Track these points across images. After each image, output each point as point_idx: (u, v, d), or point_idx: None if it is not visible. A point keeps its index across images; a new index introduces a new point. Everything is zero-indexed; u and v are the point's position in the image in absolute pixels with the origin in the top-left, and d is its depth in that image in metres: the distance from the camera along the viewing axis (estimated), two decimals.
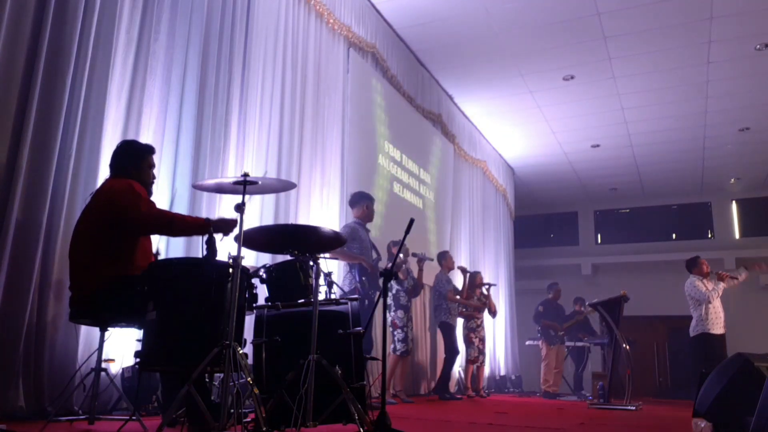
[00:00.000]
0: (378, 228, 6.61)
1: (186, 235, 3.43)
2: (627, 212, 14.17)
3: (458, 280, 7.72)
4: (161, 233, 3.17)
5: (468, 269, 7.83)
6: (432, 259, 6.72)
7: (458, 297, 7.24)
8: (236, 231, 2.67)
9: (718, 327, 6.41)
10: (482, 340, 7.68)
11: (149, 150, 3.15)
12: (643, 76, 8.17)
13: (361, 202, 5.49)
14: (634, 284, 10.59)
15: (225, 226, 2.86)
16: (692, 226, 13.46)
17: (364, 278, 5.15)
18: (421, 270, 6.37)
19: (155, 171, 3.22)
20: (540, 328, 8.79)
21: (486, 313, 7.87)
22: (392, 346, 5.94)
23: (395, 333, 5.94)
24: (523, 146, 10.90)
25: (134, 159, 3.06)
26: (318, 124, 5.80)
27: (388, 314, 5.96)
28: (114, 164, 3.06)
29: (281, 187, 3.38)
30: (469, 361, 7.52)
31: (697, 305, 6.50)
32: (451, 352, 7.00)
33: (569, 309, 9.38)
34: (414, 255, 6.32)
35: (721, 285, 6.50)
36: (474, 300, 7.62)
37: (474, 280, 7.67)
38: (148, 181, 3.10)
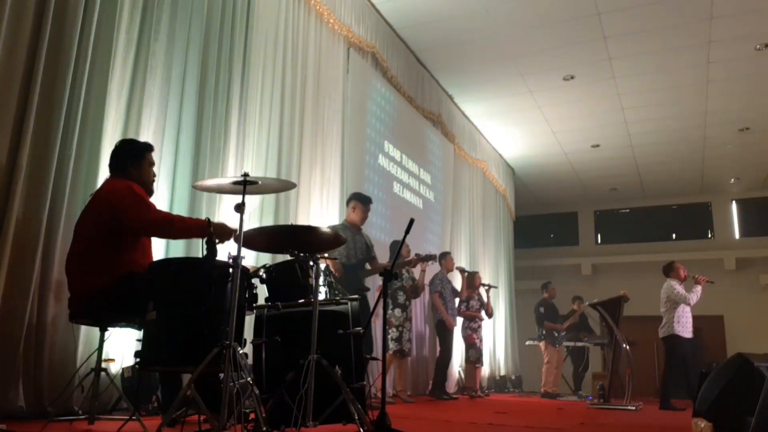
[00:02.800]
0: (378, 228, 6.61)
1: (186, 237, 3.43)
2: (627, 212, 14.17)
3: (457, 281, 7.71)
4: (162, 236, 3.17)
5: (466, 269, 7.80)
6: (436, 260, 6.68)
7: (442, 302, 7.04)
8: (236, 231, 2.67)
9: (687, 331, 6.55)
10: (482, 341, 7.71)
11: (148, 148, 3.15)
12: (643, 76, 8.18)
13: (348, 205, 5.33)
14: (634, 284, 10.59)
15: (222, 232, 2.85)
16: (692, 226, 13.46)
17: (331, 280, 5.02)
18: (423, 271, 6.34)
19: (155, 169, 3.22)
20: (543, 331, 8.75)
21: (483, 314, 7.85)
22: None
23: (389, 332, 5.88)
24: (523, 146, 10.90)
25: (134, 158, 3.06)
26: (318, 124, 5.80)
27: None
28: (113, 164, 3.06)
29: (281, 187, 3.38)
30: (471, 361, 7.51)
31: (672, 307, 6.59)
32: (444, 353, 6.96)
33: (562, 308, 9.35)
34: (417, 255, 6.28)
35: (699, 288, 6.57)
36: (475, 300, 7.61)
37: (473, 280, 7.66)
38: (148, 180, 3.10)
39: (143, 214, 2.83)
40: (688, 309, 6.62)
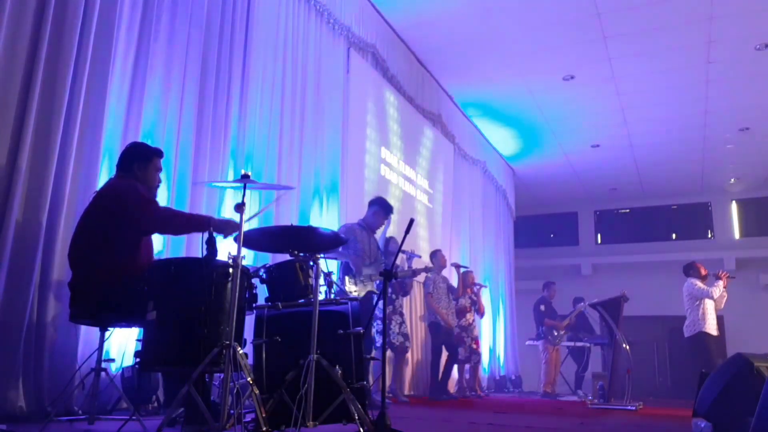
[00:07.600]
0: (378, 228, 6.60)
1: (188, 232, 3.43)
2: (627, 212, 14.17)
3: (454, 278, 7.67)
4: (167, 233, 3.19)
5: (461, 264, 7.68)
6: (419, 256, 6.61)
7: (436, 304, 6.94)
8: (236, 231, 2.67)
9: (712, 328, 6.50)
10: (475, 340, 7.62)
11: (157, 153, 3.18)
12: (643, 76, 8.17)
13: (370, 208, 5.33)
14: (634, 284, 10.59)
15: (225, 227, 2.87)
16: (692, 226, 13.46)
17: (347, 277, 5.02)
18: (410, 268, 6.29)
19: (161, 176, 3.23)
20: (543, 329, 8.74)
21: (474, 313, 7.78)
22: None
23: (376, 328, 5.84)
24: (523, 146, 10.90)
25: (141, 159, 3.09)
26: (318, 124, 5.79)
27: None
28: (120, 163, 3.10)
29: (281, 187, 3.38)
30: (461, 360, 7.41)
31: (695, 306, 6.55)
32: (437, 353, 6.89)
33: (563, 310, 9.33)
34: (403, 252, 6.20)
35: (721, 283, 6.55)
36: (465, 299, 7.54)
37: (466, 279, 7.62)
38: (152, 183, 3.12)
39: (153, 211, 2.87)
40: (712, 307, 6.57)
